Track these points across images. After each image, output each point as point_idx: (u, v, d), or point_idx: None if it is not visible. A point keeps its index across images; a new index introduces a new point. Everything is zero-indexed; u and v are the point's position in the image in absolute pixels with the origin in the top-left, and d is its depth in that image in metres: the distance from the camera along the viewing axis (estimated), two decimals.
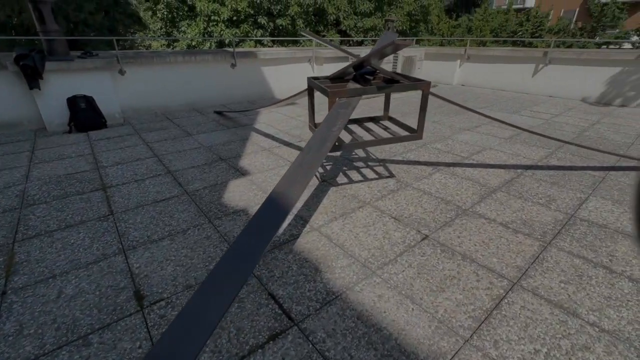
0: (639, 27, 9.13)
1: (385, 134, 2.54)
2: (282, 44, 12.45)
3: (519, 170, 2.99)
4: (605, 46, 12.25)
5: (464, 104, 5.80)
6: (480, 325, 1.39)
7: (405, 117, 4.82)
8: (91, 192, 2.57)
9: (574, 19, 18.39)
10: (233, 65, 5.85)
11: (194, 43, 12.58)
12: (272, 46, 12.22)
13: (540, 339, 1.33)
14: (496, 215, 2.24)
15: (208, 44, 12.21)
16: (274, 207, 1.30)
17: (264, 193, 2.55)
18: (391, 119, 2.75)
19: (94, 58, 4.34)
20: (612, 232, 2.06)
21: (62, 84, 4.07)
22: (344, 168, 3.04)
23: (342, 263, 1.77)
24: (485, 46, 11.05)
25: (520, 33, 13.71)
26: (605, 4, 15.48)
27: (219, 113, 5.16)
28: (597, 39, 12.59)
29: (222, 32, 11.45)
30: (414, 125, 2.46)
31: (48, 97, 4.05)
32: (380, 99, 5.41)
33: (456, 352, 1.28)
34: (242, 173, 2.93)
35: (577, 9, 19.95)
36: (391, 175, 2.87)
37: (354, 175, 2.88)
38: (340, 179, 2.82)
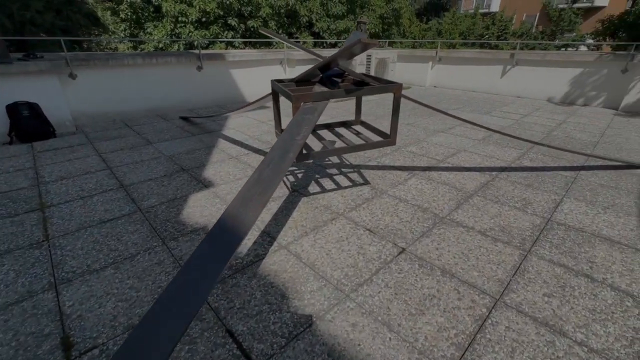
0: (594, 31, 9.66)
1: (357, 140, 2.39)
2: (254, 46, 12.15)
3: (493, 173, 2.94)
4: (564, 48, 12.93)
5: (437, 105, 5.82)
6: (464, 355, 1.25)
7: (380, 120, 4.73)
8: (25, 214, 2.23)
9: (535, 23, 19.37)
10: (199, 68, 5.54)
11: (161, 45, 12.01)
12: (244, 48, 11.90)
13: None
14: (474, 223, 2.14)
15: (177, 46, 11.69)
16: (223, 234, 1.10)
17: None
18: (363, 123, 2.61)
19: (38, 60, 3.91)
20: (589, 235, 2.01)
21: None
22: (316, 175, 2.86)
23: (313, 286, 1.59)
24: (455, 48, 11.32)
25: (487, 36, 14.21)
26: (563, 10, 16.43)
27: (185, 119, 4.84)
28: (557, 42, 13.26)
29: (190, 33, 11.00)
30: (388, 129, 2.33)
31: None
32: (352, 101, 5.30)
33: None
34: (205, 185, 2.68)
35: (538, 14, 21.03)
36: (366, 182, 2.73)
37: (327, 183, 2.71)
38: (312, 187, 2.64)
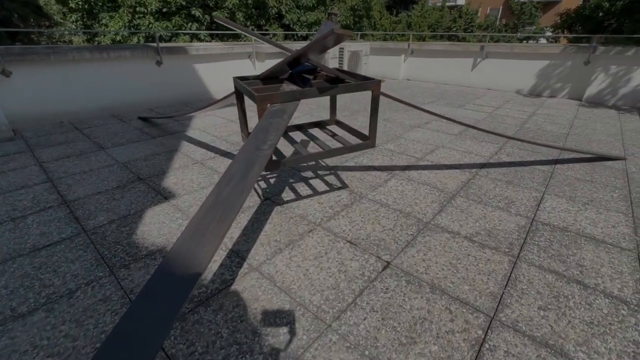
0: (554, 24, 10.06)
1: (333, 143, 2.19)
2: (221, 38, 11.54)
3: (473, 170, 2.86)
4: (526, 41, 13.41)
5: (411, 98, 5.74)
6: None
7: (356, 116, 4.56)
8: None
9: (499, 16, 20.02)
10: (159, 63, 5.08)
11: (119, 38, 11.10)
12: (210, 41, 11.26)
13: None
14: (459, 227, 2.02)
15: (136, 39, 10.85)
16: (168, 278, 0.86)
17: None
18: (339, 123, 2.40)
19: None
20: (574, 235, 1.95)
21: None
22: (290, 180, 2.64)
23: (289, 317, 1.38)
24: (424, 41, 11.38)
25: (454, 29, 14.45)
26: (524, 3, 17.05)
27: (144, 119, 4.41)
28: (519, 35, 13.74)
29: (150, 25, 10.22)
30: (365, 127, 2.14)
31: None
32: (326, 97, 5.06)
33: None
34: (164, 196, 2.38)
35: (501, 7, 21.76)
36: (344, 186, 2.54)
37: (302, 188, 2.50)
38: (286, 194, 2.42)
